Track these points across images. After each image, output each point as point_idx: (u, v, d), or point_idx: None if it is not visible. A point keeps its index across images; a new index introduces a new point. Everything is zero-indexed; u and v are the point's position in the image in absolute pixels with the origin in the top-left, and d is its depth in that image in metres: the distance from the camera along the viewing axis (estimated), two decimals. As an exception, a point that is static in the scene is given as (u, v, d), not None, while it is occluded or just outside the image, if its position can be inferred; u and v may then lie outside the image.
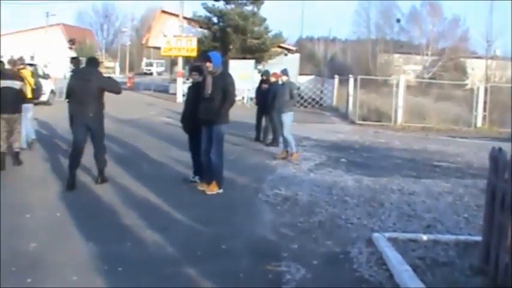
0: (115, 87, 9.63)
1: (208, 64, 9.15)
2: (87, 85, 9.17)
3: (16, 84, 10.81)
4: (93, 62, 9.62)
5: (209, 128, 9.10)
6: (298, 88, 26.04)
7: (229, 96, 9.07)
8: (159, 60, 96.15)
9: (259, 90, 16.61)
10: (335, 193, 9.37)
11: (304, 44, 75.74)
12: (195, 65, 10.88)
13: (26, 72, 12.18)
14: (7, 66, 11.48)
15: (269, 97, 14.13)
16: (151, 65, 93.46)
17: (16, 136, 10.98)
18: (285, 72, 13.26)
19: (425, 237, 6.68)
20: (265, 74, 16.32)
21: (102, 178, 9.58)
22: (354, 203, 8.72)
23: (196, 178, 9.76)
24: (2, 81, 10.64)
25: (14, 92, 10.73)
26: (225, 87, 9.00)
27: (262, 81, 16.47)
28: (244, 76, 28.50)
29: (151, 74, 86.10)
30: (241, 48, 35.09)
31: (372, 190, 9.76)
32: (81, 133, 9.35)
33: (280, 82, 13.66)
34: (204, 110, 9.06)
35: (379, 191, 9.73)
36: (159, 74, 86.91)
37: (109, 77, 10.39)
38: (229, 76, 9.38)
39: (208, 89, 9.04)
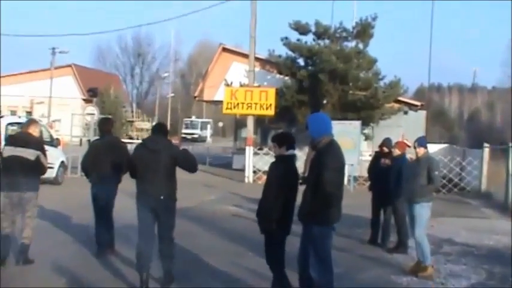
0: (191, 163, 10.15)
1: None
2: (156, 158, 9.73)
3: (29, 153, 11.40)
4: (162, 129, 10.52)
5: (305, 228, 8.88)
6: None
7: (321, 186, 8.46)
8: (204, 120, 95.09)
9: (374, 168, 16.26)
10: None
11: (429, 96, 74.52)
12: (277, 133, 10.66)
13: None
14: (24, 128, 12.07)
15: (391, 178, 13.96)
16: (193, 126, 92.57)
17: (27, 222, 11.45)
18: (421, 142, 12.61)
19: None
20: (386, 143, 15.95)
21: (170, 278, 9.99)
22: None
23: None
24: (8, 148, 11.46)
25: (25, 163, 11.32)
26: (320, 171, 8.50)
27: (379, 155, 16.24)
28: (346, 145, 28.25)
29: (203, 140, 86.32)
30: (341, 104, 34.45)
31: None
32: (148, 221, 9.85)
33: (407, 157, 13.44)
34: (301, 201, 8.84)
35: None
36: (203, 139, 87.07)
37: (184, 149, 10.84)
38: (332, 155, 8.65)
39: (305, 171, 8.88)
